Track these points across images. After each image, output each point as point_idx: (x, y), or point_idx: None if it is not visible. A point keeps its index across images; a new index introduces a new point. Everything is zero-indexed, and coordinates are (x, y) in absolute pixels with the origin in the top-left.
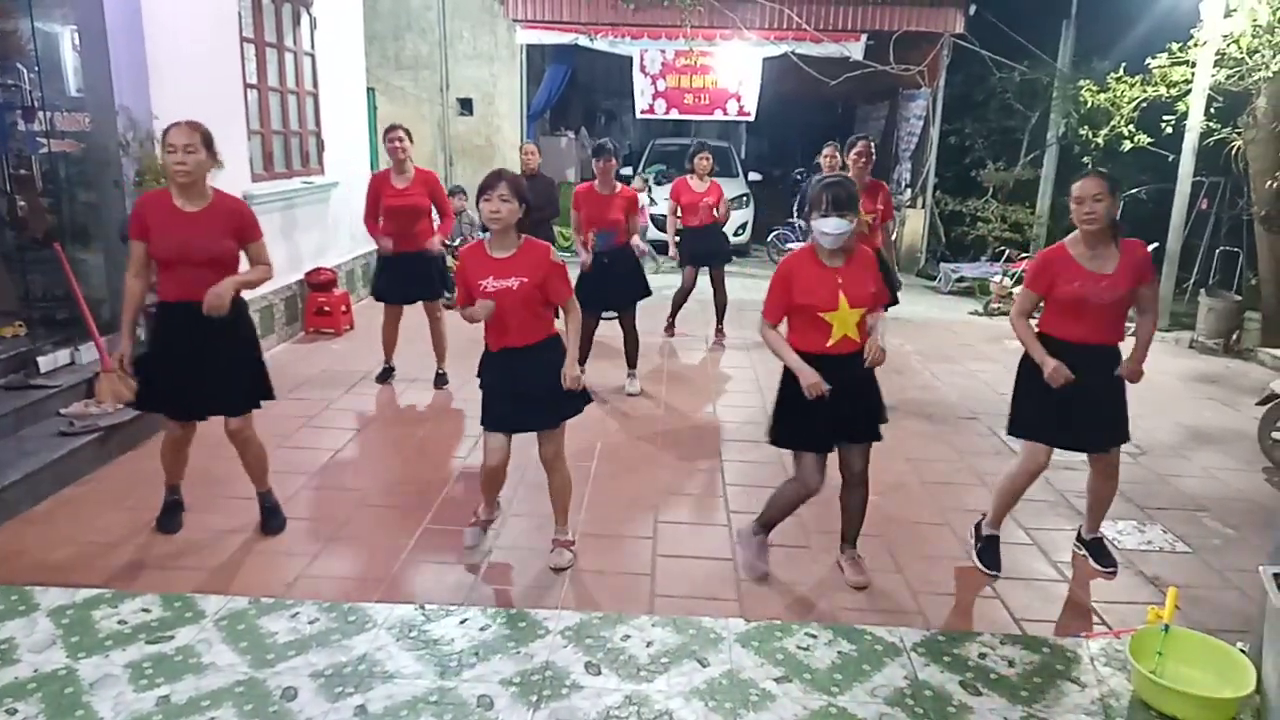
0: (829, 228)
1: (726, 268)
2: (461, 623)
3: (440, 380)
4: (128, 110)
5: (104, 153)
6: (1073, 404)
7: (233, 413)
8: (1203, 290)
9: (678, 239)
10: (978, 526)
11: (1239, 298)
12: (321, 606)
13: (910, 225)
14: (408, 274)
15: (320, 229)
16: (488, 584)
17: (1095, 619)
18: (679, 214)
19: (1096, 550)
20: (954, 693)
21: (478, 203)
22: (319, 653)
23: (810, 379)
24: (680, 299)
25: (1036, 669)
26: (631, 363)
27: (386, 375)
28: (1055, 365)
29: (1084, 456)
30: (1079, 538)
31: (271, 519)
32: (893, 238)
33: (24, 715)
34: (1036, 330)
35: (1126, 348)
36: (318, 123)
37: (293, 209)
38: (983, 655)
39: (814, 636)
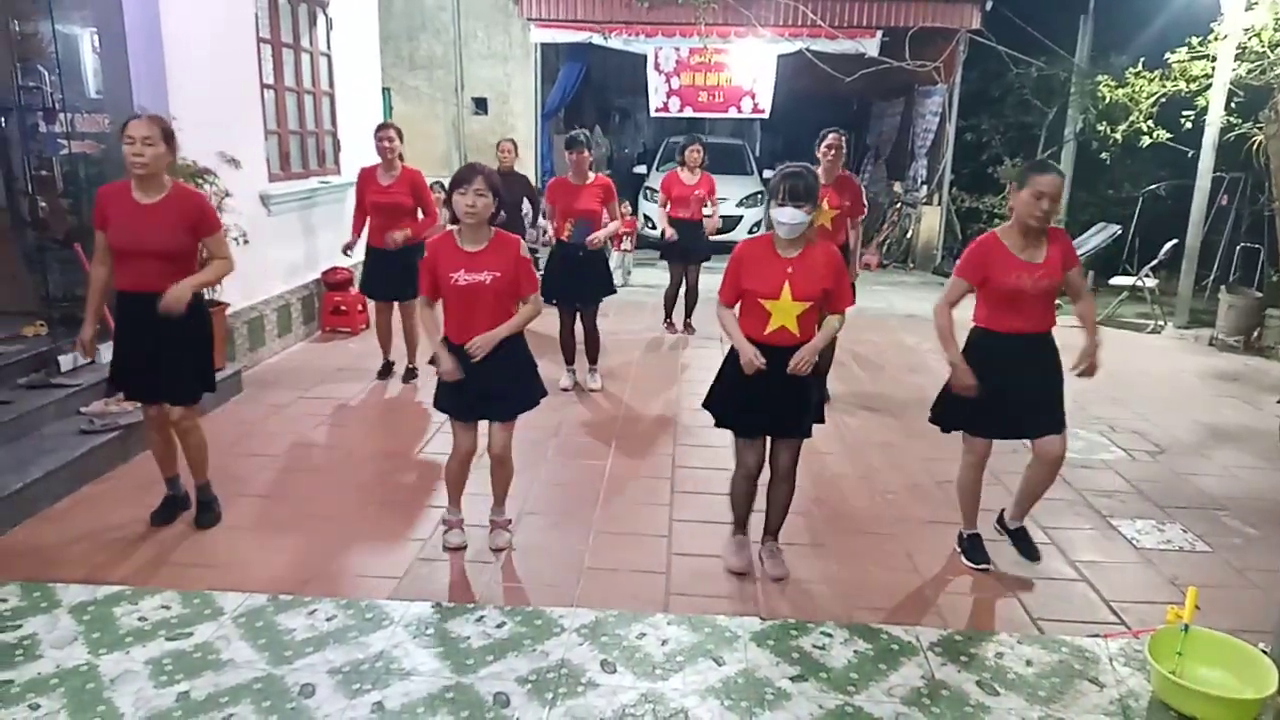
0: (785, 217)
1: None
2: (478, 620)
3: (410, 374)
4: (146, 112)
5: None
6: (1008, 394)
7: (176, 402)
8: (1223, 287)
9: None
10: (959, 534)
11: (1260, 294)
12: (339, 603)
13: (926, 222)
14: (389, 272)
15: (337, 228)
16: (503, 582)
17: (1114, 619)
18: (668, 207)
19: (1020, 538)
20: (971, 692)
21: (450, 197)
22: (336, 650)
23: (747, 355)
24: (671, 295)
25: (1054, 669)
26: (592, 359)
27: (387, 371)
28: (966, 381)
29: (1108, 456)
30: (1000, 521)
31: (204, 513)
32: (857, 239)
33: (46, 710)
34: (973, 324)
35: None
36: (334, 123)
37: (309, 209)
38: (1000, 655)
39: (829, 635)
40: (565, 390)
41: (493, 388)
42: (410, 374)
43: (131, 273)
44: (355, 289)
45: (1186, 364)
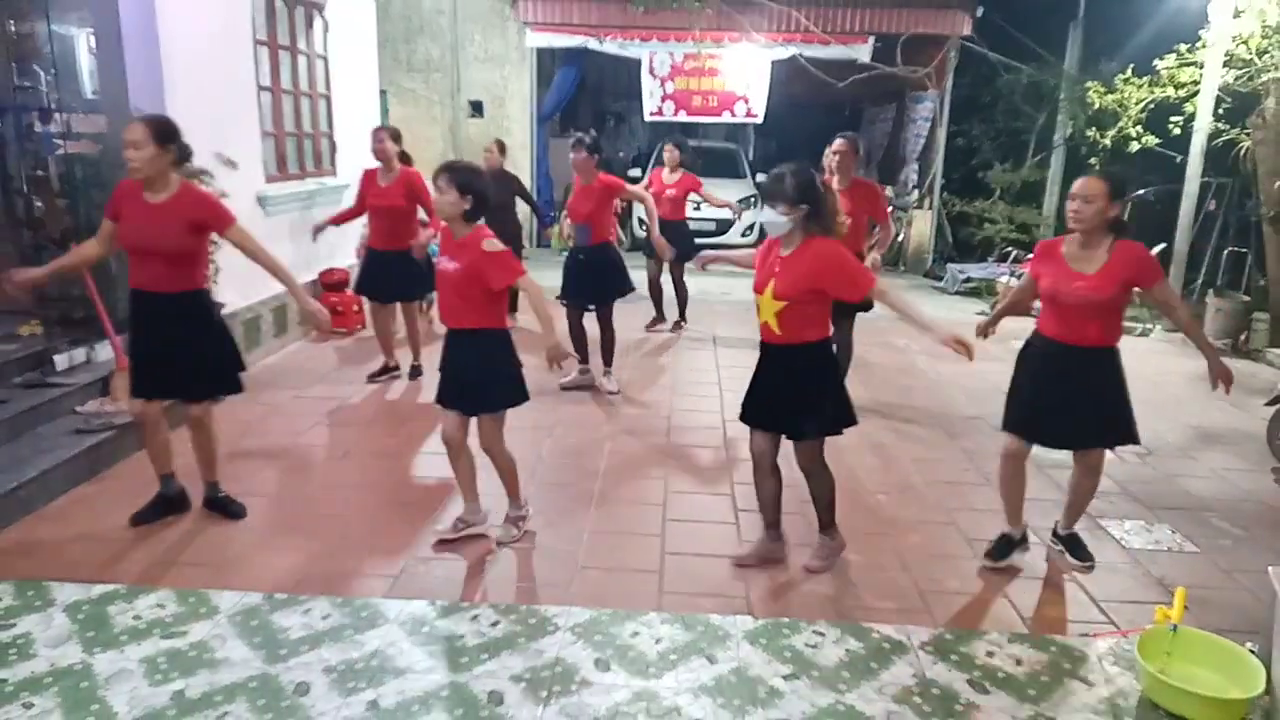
0: (765, 217)
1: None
2: (472, 619)
3: (415, 372)
4: (142, 113)
5: (119, 154)
6: (1040, 398)
7: (189, 398)
8: (1210, 291)
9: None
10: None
11: (1247, 298)
12: (334, 602)
13: (917, 226)
14: (391, 273)
15: (333, 230)
16: (498, 580)
17: (1103, 618)
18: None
19: (1073, 545)
20: (961, 691)
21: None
22: (331, 648)
23: None
24: (654, 293)
25: (1044, 668)
26: (607, 360)
27: (384, 372)
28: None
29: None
30: (1055, 534)
31: (225, 509)
32: (873, 242)
33: (41, 709)
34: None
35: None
36: (330, 125)
37: (306, 210)
38: (990, 654)
39: (821, 634)
40: (564, 387)
41: (460, 378)
42: (416, 371)
43: (140, 272)
44: (350, 290)
45: (1174, 367)
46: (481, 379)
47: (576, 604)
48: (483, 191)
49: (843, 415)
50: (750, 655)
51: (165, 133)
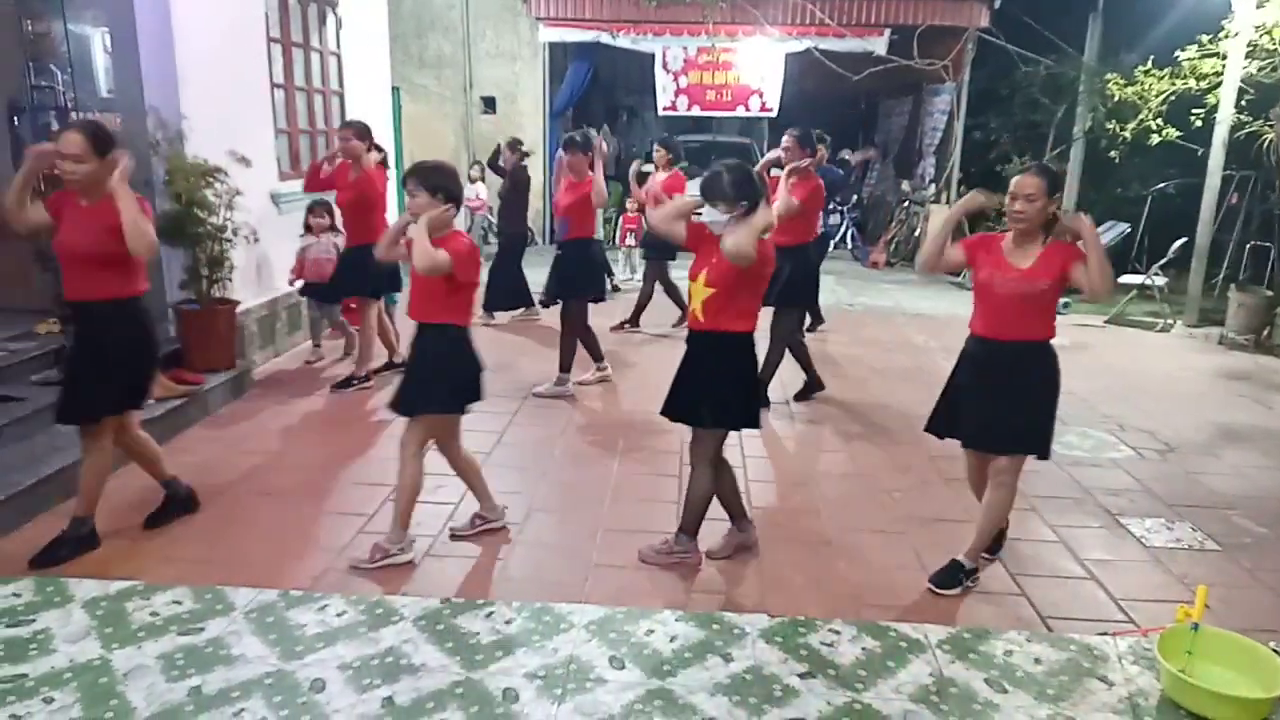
0: (706, 215)
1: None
2: (487, 616)
3: (347, 384)
4: (157, 111)
5: (135, 153)
6: (962, 397)
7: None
8: (1233, 285)
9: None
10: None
11: (1270, 293)
12: (349, 600)
13: (934, 221)
14: (368, 269)
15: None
16: (512, 578)
17: (1123, 617)
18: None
19: (944, 572)
20: (980, 690)
21: None
22: (347, 645)
23: None
24: (670, 293)
25: (1063, 667)
26: (560, 365)
27: (389, 368)
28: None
29: (1117, 454)
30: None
31: (50, 549)
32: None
33: (60, 703)
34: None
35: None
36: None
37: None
38: (1009, 653)
39: (838, 632)
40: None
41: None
42: (347, 384)
43: (68, 280)
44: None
45: (1196, 363)
46: (411, 380)
47: (590, 601)
48: (452, 191)
49: (741, 415)
50: (766, 653)
51: (103, 140)
